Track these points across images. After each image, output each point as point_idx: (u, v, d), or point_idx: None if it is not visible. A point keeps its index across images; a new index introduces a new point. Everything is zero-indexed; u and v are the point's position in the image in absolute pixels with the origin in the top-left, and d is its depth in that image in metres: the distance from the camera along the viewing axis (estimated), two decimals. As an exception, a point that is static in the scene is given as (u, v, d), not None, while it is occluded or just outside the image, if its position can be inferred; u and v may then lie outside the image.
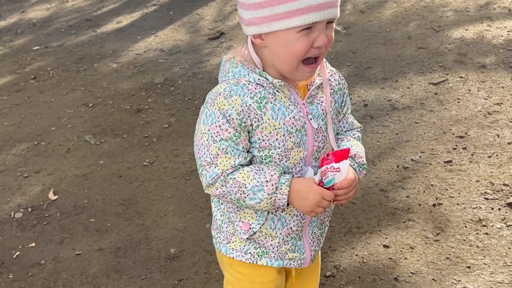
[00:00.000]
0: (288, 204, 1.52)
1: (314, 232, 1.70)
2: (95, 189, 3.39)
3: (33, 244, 2.98)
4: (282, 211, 1.61)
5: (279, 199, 1.49)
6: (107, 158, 3.69)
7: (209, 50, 5.21)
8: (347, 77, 4.34)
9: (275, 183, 1.48)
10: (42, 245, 2.97)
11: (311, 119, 1.55)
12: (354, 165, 1.62)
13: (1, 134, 4.13)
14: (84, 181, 3.47)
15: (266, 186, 1.48)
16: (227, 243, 1.70)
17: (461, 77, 4.17)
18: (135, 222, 3.08)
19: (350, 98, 4.03)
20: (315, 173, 1.54)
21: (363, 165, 1.65)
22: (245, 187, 1.49)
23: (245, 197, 1.50)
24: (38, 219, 3.17)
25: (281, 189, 1.48)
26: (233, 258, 1.69)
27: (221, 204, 1.70)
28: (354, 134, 1.72)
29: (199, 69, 4.85)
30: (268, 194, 1.48)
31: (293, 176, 1.55)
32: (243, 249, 1.67)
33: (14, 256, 2.91)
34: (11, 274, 2.79)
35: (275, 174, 1.49)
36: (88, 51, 5.54)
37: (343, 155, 1.49)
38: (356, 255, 2.70)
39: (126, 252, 2.87)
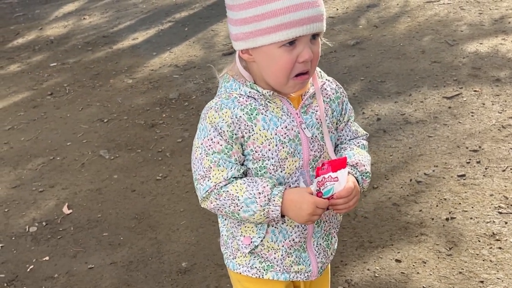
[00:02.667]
0: (283, 216, 1.51)
1: (320, 244, 1.69)
2: (108, 203, 3.42)
3: (47, 258, 3.01)
4: (282, 223, 1.60)
5: (273, 211, 1.48)
6: (121, 173, 3.72)
7: (223, 65, 5.24)
8: (360, 91, 4.35)
9: (268, 195, 1.47)
10: (56, 258, 3.00)
11: (304, 128, 1.55)
12: (356, 173, 1.60)
13: (18, 149, 4.19)
14: (98, 196, 3.50)
15: (259, 198, 1.47)
16: (233, 259, 1.70)
17: (475, 90, 4.14)
18: (147, 236, 3.10)
19: (363, 112, 4.03)
20: (312, 182, 1.53)
21: (366, 173, 1.62)
22: (238, 199, 1.49)
23: (239, 210, 1.50)
24: (52, 233, 3.20)
25: (274, 200, 1.48)
26: (240, 273, 1.69)
27: (225, 219, 1.70)
28: (358, 143, 1.70)
29: (213, 84, 4.88)
30: (261, 206, 1.48)
31: (289, 186, 1.55)
32: (248, 263, 1.67)
33: (28, 270, 2.94)
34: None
35: (267, 185, 1.48)
36: (104, 67, 5.61)
37: (340, 164, 1.47)
38: (368, 270, 2.68)
39: (138, 266, 2.88)
